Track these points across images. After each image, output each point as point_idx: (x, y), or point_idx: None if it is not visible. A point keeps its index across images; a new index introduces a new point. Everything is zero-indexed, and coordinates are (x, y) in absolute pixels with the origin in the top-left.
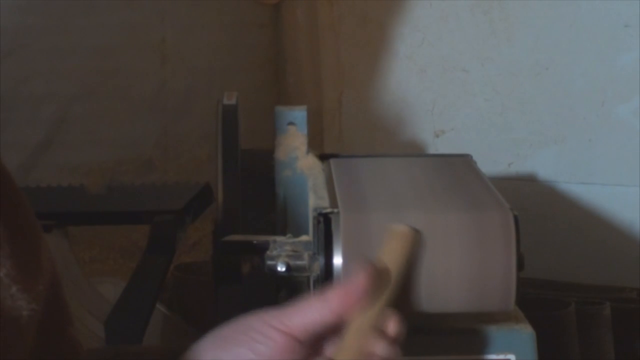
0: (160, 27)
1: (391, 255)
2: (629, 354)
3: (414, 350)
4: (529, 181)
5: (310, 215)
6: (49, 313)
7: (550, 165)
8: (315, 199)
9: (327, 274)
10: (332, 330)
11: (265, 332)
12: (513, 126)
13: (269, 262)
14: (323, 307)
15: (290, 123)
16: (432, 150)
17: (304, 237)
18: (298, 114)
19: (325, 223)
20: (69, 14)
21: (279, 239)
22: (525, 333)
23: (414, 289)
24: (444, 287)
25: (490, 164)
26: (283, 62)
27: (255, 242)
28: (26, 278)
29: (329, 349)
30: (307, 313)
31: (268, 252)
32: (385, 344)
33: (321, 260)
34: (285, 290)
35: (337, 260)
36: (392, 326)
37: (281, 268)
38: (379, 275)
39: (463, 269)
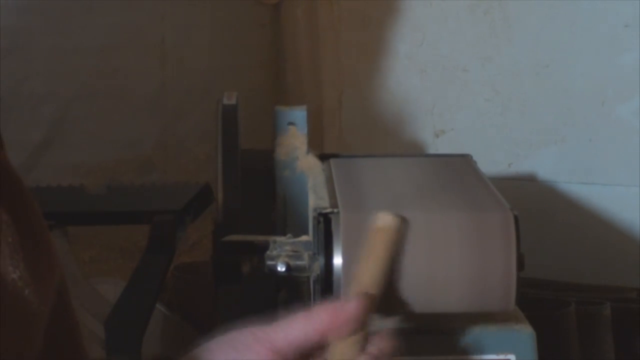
0: (160, 27)
1: (374, 254)
2: (629, 354)
3: (414, 350)
4: (529, 181)
5: (310, 215)
6: (55, 318)
7: (550, 165)
8: (315, 199)
9: (327, 274)
10: (319, 347)
11: (250, 345)
12: (513, 126)
13: (269, 262)
14: (308, 326)
15: (290, 123)
16: (432, 150)
17: (304, 237)
18: (298, 114)
19: (325, 223)
20: (69, 14)
21: (279, 239)
22: (525, 333)
23: (413, 288)
24: (444, 287)
25: (490, 164)
26: (283, 62)
27: (255, 242)
28: (37, 281)
29: None
30: (293, 329)
31: (268, 252)
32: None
33: (321, 260)
34: (285, 290)
35: (337, 260)
36: (378, 343)
37: (281, 268)
38: (371, 303)
39: (463, 269)
